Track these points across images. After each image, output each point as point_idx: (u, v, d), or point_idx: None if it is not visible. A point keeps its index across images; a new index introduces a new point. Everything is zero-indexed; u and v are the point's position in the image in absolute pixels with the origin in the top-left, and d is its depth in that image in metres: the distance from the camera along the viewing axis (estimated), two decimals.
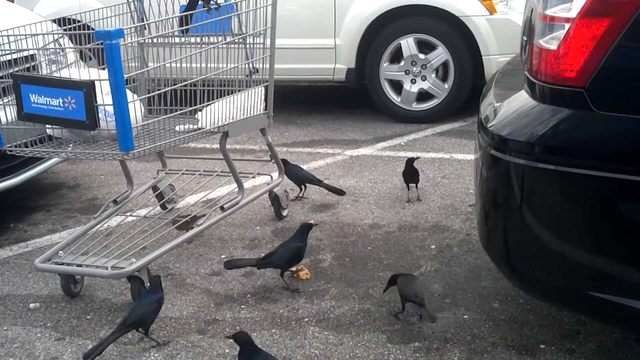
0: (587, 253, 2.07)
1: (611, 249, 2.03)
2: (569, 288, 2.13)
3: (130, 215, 3.65)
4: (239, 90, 3.41)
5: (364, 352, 2.60)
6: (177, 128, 3.24)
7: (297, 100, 6.56)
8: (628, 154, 1.96)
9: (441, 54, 5.47)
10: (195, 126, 3.21)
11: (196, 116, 3.27)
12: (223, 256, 3.41)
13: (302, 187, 4.05)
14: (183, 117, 3.35)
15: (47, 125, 3.03)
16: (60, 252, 3.10)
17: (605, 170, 1.96)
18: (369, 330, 2.73)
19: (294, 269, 3.17)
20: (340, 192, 3.92)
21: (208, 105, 3.26)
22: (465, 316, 2.81)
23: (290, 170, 3.96)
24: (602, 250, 2.04)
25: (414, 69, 5.53)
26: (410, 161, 4.01)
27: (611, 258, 2.03)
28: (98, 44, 2.76)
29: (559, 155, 2.05)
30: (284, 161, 3.91)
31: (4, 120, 3.11)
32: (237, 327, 2.75)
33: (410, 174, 4.01)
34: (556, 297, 2.26)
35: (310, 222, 3.15)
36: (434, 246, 3.40)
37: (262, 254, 3.14)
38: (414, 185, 4.05)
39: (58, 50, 3.54)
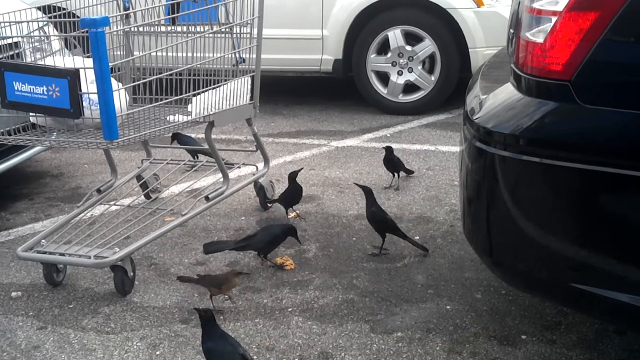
0: (570, 245, 2.08)
1: (594, 241, 2.04)
2: (551, 280, 2.15)
3: (114, 205, 3.63)
4: (225, 80, 3.39)
5: (347, 342, 2.61)
6: (168, 119, 3.22)
7: (283, 90, 6.55)
8: (612, 147, 1.97)
9: (428, 46, 5.47)
10: (188, 117, 3.19)
11: (188, 108, 3.25)
12: None
13: (196, 156, 4.29)
14: (170, 106, 3.33)
15: (31, 113, 3.01)
16: (43, 240, 3.09)
17: (589, 163, 1.97)
18: (352, 320, 2.74)
19: (280, 261, 3.18)
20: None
21: (195, 94, 3.24)
22: (448, 307, 2.83)
23: (184, 140, 4.24)
24: (585, 243, 2.06)
25: (401, 60, 5.54)
26: (388, 149, 4.06)
27: (594, 250, 2.04)
28: (83, 32, 2.73)
29: (543, 147, 2.06)
30: (176, 133, 4.15)
31: None
32: (221, 317, 2.75)
33: (390, 162, 4.06)
34: (538, 289, 2.28)
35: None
36: (417, 237, 3.41)
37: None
38: (397, 173, 4.08)
39: (43, 38, 3.51)
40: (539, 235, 2.12)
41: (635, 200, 1.95)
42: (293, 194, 3.64)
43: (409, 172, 4.22)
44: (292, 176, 3.64)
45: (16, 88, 2.84)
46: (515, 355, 2.50)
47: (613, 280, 2.01)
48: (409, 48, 5.50)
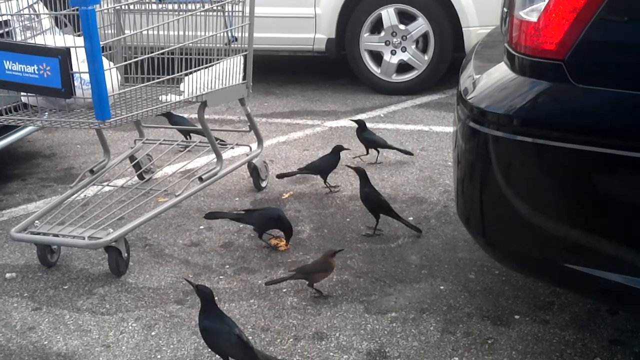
0: (563, 225, 2.09)
1: (587, 221, 2.05)
2: (544, 260, 2.16)
3: (107, 185, 3.62)
4: (218, 60, 3.37)
5: (342, 322, 2.62)
6: (161, 98, 3.20)
7: (276, 70, 6.52)
8: (605, 126, 1.97)
9: (421, 25, 5.45)
10: (180, 97, 3.17)
11: (180, 87, 3.23)
12: (201, 227, 3.40)
13: (188, 136, 4.30)
14: (163, 86, 3.31)
15: (22, 93, 2.98)
16: (37, 221, 3.08)
17: (582, 143, 1.98)
18: (347, 301, 2.75)
19: (274, 242, 3.18)
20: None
21: (187, 74, 3.22)
22: (442, 287, 2.84)
23: (177, 121, 4.29)
24: (578, 223, 2.06)
25: (394, 39, 5.51)
26: (358, 123, 4.14)
27: (586, 231, 2.05)
28: (74, 10, 2.70)
29: (537, 127, 2.05)
30: (168, 113, 4.15)
31: None
32: (216, 298, 2.75)
33: (359, 137, 4.14)
34: (531, 269, 2.29)
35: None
36: (411, 218, 3.42)
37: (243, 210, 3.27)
38: (371, 148, 4.15)
39: (33, 16, 3.47)
40: (532, 215, 2.12)
41: (628, 180, 1.96)
42: (331, 162, 3.67)
43: (390, 148, 4.19)
44: (338, 148, 3.74)
45: (6, 67, 2.81)
46: (509, 335, 2.52)
47: (606, 260, 2.02)
48: (402, 27, 5.47)
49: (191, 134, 4.30)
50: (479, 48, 2.74)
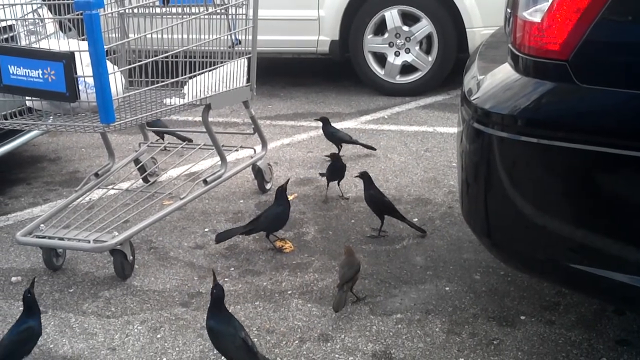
0: (568, 226, 2.08)
1: (591, 221, 2.05)
2: (549, 260, 2.15)
3: (112, 189, 3.63)
4: (222, 62, 3.38)
5: (347, 324, 2.62)
6: (165, 101, 3.20)
7: (280, 72, 6.52)
8: (609, 126, 1.97)
9: (425, 26, 5.44)
10: (185, 100, 3.18)
11: (183, 90, 3.24)
12: (206, 229, 3.41)
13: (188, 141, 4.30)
14: (167, 89, 3.31)
15: (27, 97, 2.99)
16: (42, 225, 3.09)
17: (586, 143, 1.97)
18: (352, 302, 2.75)
19: (279, 244, 3.18)
20: (187, 139, 4.18)
21: (191, 77, 3.22)
22: (447, 288, 2.83)
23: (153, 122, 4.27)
24: (583, 223, 2.06)
25: (398, 41, 5.51)
26: (323, 120, 4.21)
27: (591, 231, 2.05)
28: (78, 15, 2.71)
29: (541, 128, 2.05)
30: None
31: None
32: None
33: (326, 134, 4.22)
34: (537, 269, 2.28)
35: (283, 185, 3.24)
36: (416, 219, 3.41)
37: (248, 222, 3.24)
38: (339, 145, 4.23)
39: (37, 20, 3.48)
40: (537, 216, 2.12)
41: (633, 180, 1.95)
42: (338, 169, 3.66)
43: (354, 143, 4.26)
44: (335, 155, 3.74)
45: (11, 72, 2.82)
46: (515, 335, 2.52)
47: (611, 260, 2.01)
48: (406, 28, 5.46)
49: (164, 135, 4.30)
50: (483, 49, 2.74)
